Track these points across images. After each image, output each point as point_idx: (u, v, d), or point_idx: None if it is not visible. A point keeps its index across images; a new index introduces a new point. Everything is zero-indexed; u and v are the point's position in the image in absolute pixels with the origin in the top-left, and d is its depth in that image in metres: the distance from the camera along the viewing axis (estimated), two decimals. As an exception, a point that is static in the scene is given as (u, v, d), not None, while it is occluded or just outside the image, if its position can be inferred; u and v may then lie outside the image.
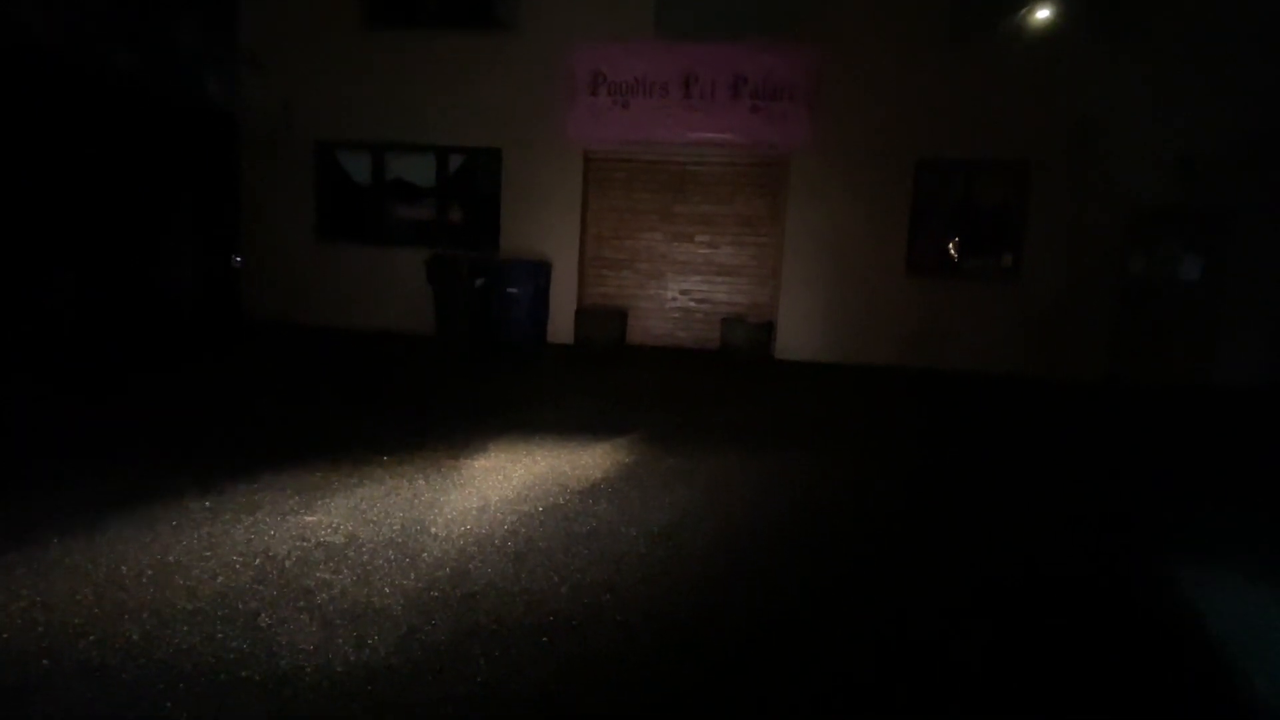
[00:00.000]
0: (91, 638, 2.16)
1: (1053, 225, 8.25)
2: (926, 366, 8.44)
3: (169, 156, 8.74)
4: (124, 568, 2.65)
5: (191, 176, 9.05)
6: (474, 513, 3.36)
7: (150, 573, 2.62)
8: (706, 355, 8.97)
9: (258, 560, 2.75)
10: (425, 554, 2.87)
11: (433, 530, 3.13)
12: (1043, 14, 8.04)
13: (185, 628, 2.25)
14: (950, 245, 8.65)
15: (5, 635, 2.15)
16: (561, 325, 9.18)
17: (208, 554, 2.80)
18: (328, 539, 2.99)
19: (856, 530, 3.45)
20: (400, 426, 4.84)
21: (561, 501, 3.54)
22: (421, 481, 3.79)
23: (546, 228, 9.22)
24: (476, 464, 4.13)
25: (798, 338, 8.83)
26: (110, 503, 3.23)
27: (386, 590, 2.55)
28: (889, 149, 8.46)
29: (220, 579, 2.59)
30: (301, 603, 2.44)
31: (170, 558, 2.75)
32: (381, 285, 9.44)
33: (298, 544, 2.92)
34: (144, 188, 8.41)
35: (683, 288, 9.38)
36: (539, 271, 8.92)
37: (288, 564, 2.74)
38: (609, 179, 9.26)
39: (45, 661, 2.04)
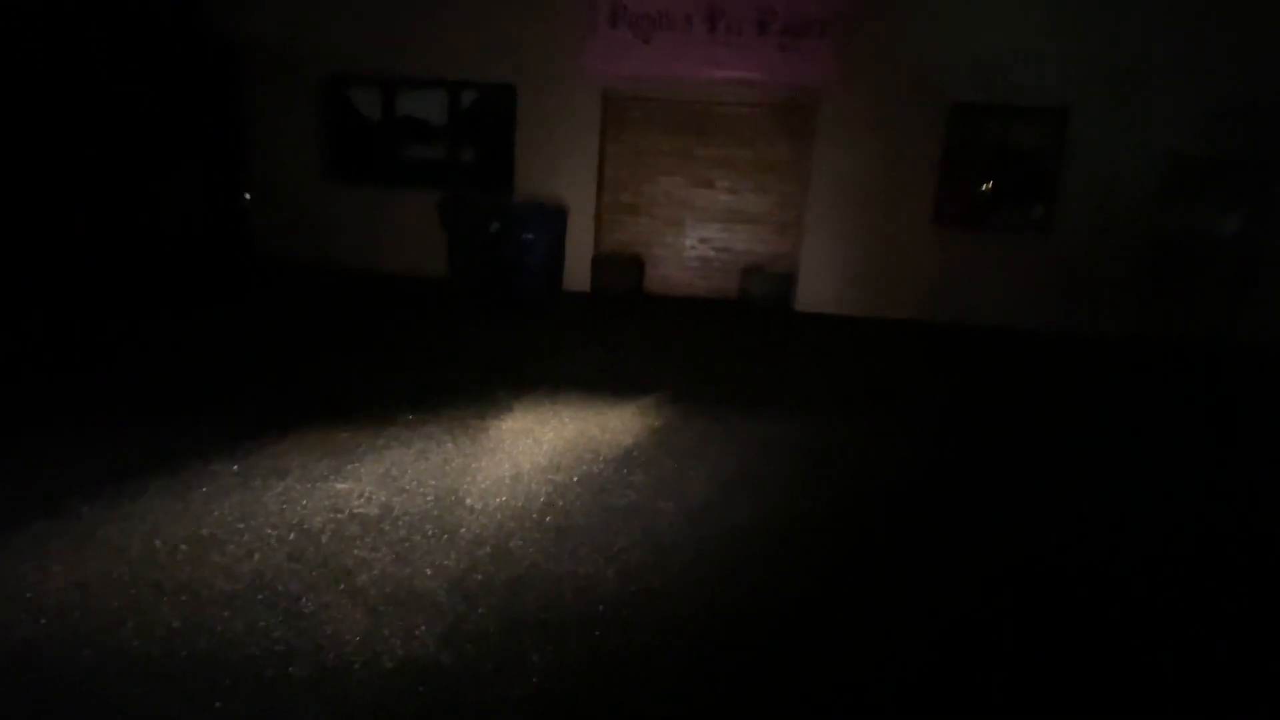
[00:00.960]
0: (131, 624, 2.10)
1: (1088, 175, 7.93)
2: (951, 320, 8.27)
3: (171, 87, 8.36)
4: (158, 541, 2.58)
5: (196, 109, 8.69)
6: (508, 482, 3.28)
7: (185, 548, 2.55)
8: (725, 305, 8.80)
9: (292, 535, 2.68)
10: (463, 529, 2.80)
11: (468, 501, 3.05)
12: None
13: (226, 613, 2.18)
14: (981, 194, 8.35)
15: (43, 620, 2.09)
16: (577, 272, 8.97)
17: (241, 526, 2.72)
18: (361, 510, 2.92)
19: (900, 505, 3.37)
20: (421, 380, 4.74)
21: (595, 470, 3.45)
22: (450, 444, 3.70)
23: (562, 169, 8.91)
24: (504, 425, 4.04)
25: (819, 289, 8.63)
26: (137, 466, 3.15)
27: (428, 572, 2.49)
28: (922, 92, 8.07)
29: (256, 556, 2.52)
30: (342, 585, 2.37)
31: (204, 530, 2.68)
32: (392, 227, 9.20)
33: (331, 516, 2.85)
34: (144, 120, 8.07)
35: (702, 235, 9.12)
36: (555, 216, 8.65)
37: (324, 539, 2.67)
38: (627, 118, 8.90)
39: (87, 651, 1.98)
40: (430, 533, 2.76)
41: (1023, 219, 8.24)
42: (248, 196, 9.51)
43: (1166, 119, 7.65)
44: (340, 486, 3.14)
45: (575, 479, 3.34)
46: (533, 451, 3.67)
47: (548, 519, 2.92)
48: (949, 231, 8.30)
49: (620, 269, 8.99)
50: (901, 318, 8.39)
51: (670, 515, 3.04)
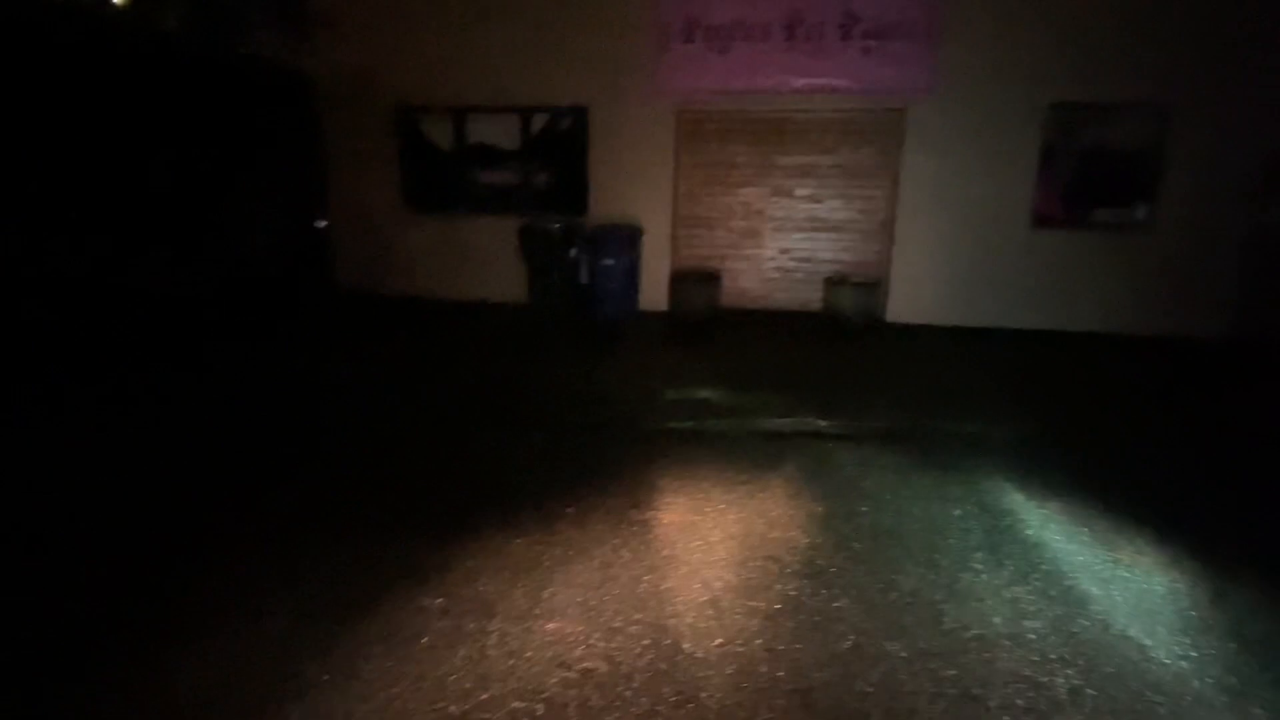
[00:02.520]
0: None
1: (1190, 173, 7.60)
2: (1053, 328, 8.05)
3: (247, 121, 8.26)
4: (407, 727, 2.57)
5: (273, 143, 8.61)
6: (710, 613, 3.21)
7: (438, 736, 2.53)
8: (809, 318, 8.65)
9: (540, 709, 2.66)
10: (704, 693, 2.76)
11: (685, 647, 3.00)
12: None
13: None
14: (1080, 195, 8.03)
15: None
16: (654, 291, 8.86)
17: (485, 697, 2.70)
18: (588, 664, 2.87)
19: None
20: (551, 449, 4.70)
21: (792, 592, 3.37)
22: (625, 552, 3.64)
23: (636, 188, 8.74)
24: (662, 518, 3.97)
25: (911, 299, 8.43)
26: (335, 604, 3.13)
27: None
28: (1016, 91, 7.74)
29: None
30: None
31: (451, 708, 2.66)
32: (469, 254, 9.14)
33: (563, 675, 2.81)
34: (221, 155, 8.00)
35: (782, 246, 8.94)
36: (631, 238, 8.52)
37: (571, 715, 2.64)
38: (703, 132, 8.66)
39: None
40: (673, 699, 2.72)
41: (1124, 220, 7.93)
42: (324, 224, 9.47)
43: (1269, 117, 7.26)
44: (550, 627, 3.09)
45: (778, 608, 3.26)
46: (712, 562, 3.59)
47: (780, 674, 2.85)
48: (1048, 234, 8.02)
49: (698, 285, 8.84)
50: (999, 326, 8.18)
51: (913, 672, 2.84)
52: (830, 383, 6.32)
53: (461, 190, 9.06)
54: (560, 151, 8.85)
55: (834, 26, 7.95)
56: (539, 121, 8.79)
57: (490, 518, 3.88)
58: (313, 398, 5.84)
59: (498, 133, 8.85)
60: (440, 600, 3.22)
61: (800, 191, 8.68)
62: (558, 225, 8.51)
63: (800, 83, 8.13)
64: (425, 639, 3.00)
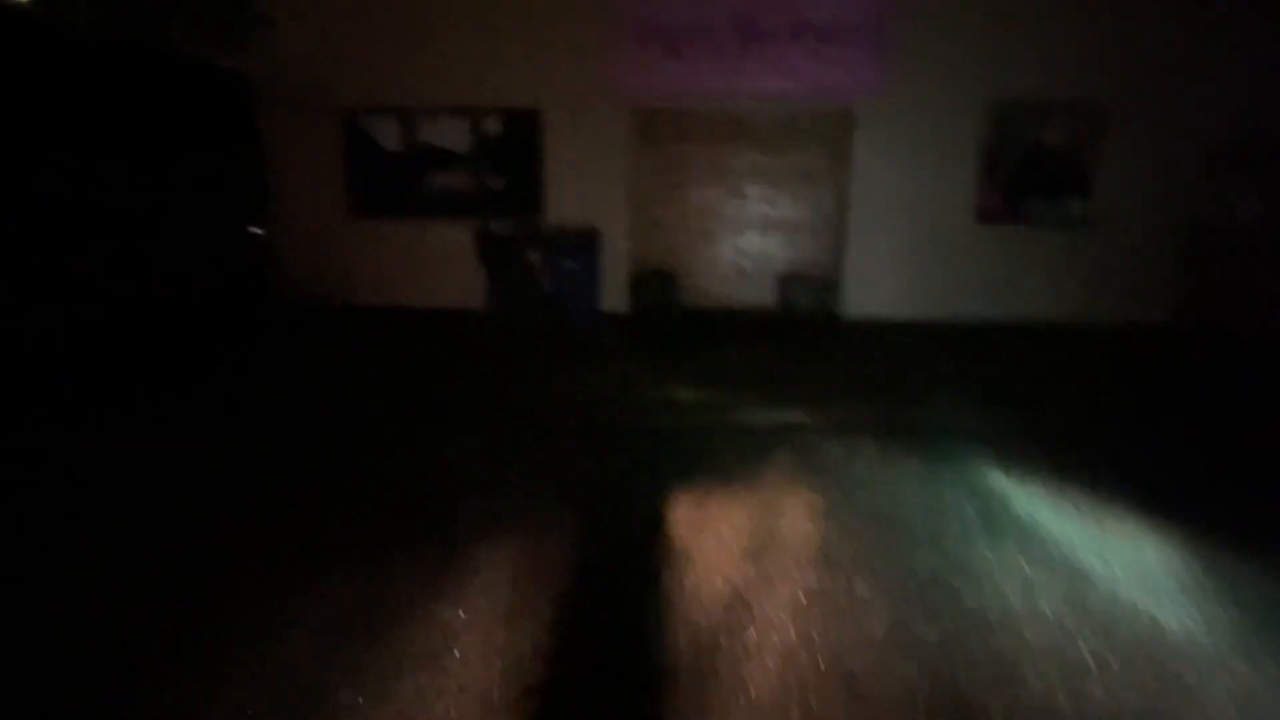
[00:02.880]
0: None
1: (1125, 167, 8.08)
2: (1002, 319, 8.41)
3: (176, 124, 7.77)
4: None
5: (205, 148, 8.13)
6: (746, 618, 3.21)
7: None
8: (767, 315, 8.79)
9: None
10: (750, 689, 2.74)
11: (721, 640, 2.99)
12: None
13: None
14: (1021, 190, 8.43)
15: None
16: (614, 292, 8.83)
17: (525, 712, 2.61)
18: (625, 668, 2.83)
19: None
20: (543, 449, 4.62)
21: (813, 584, 3.39)
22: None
23: (593, 190, 8.69)
24: (671, 517, 3.96)
25: (865, 294, 8.66)
26: (349, 619, 2.98)
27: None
28: (959, 91, 8.07)
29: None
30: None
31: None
32: (422, 260, 8.89)
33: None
34: (147, 160, 7.50)
35: (738, 245, 9.05)
36: (590, 240, 8.48)
37: None
38: (657, 134, 8.69)
39: None
40: (721, 693, 2.69)
41: (1063, 213, 8.37)
42: (259, 230, 9.01)
43: (1201, 112, 7.80)
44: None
45: (805, 601, 3.28)
46: (733, 559, 3.60)
47: (820, 663, 2.88)
48: (991, 229, 8.39)
49: (658, 286, 8.87)
50: (950, 318, 8.48)
51: (940, 645, 2.95)
52: (798, 378, 6.42)
53: (413, 194, 8.80)
54: (514, 153, 8.71)
55: (784, 30, 8.11)
56: (492, 123, 8.62)
57: (498, 523, 3.76)
58: (249, 416, 5.54)
59: (450, 135, 8.64)
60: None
61: (754, 191, 8.81)
62: (515, 228, 8.37)
63: (751, 84, 8.25)
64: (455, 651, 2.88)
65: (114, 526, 3.79)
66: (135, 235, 7.18)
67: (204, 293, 8.08)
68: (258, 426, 5.24)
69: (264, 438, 5.02)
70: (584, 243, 8.38)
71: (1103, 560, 3.52)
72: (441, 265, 8.77)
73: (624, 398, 5.81)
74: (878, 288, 8.61)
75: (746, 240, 9.00)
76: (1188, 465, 4.65)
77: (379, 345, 7.44)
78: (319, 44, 8.29)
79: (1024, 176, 8.33)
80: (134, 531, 3.74)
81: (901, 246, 8.49)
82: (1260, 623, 3.06)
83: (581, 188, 8.67)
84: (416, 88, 8.40)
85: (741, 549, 3.64)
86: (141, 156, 7.22)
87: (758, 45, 8.15)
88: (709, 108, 8.43)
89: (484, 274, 8.55)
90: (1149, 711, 2.56)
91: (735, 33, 8.14)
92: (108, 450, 4.74)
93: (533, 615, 3.08)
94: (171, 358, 6.84)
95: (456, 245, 8.66)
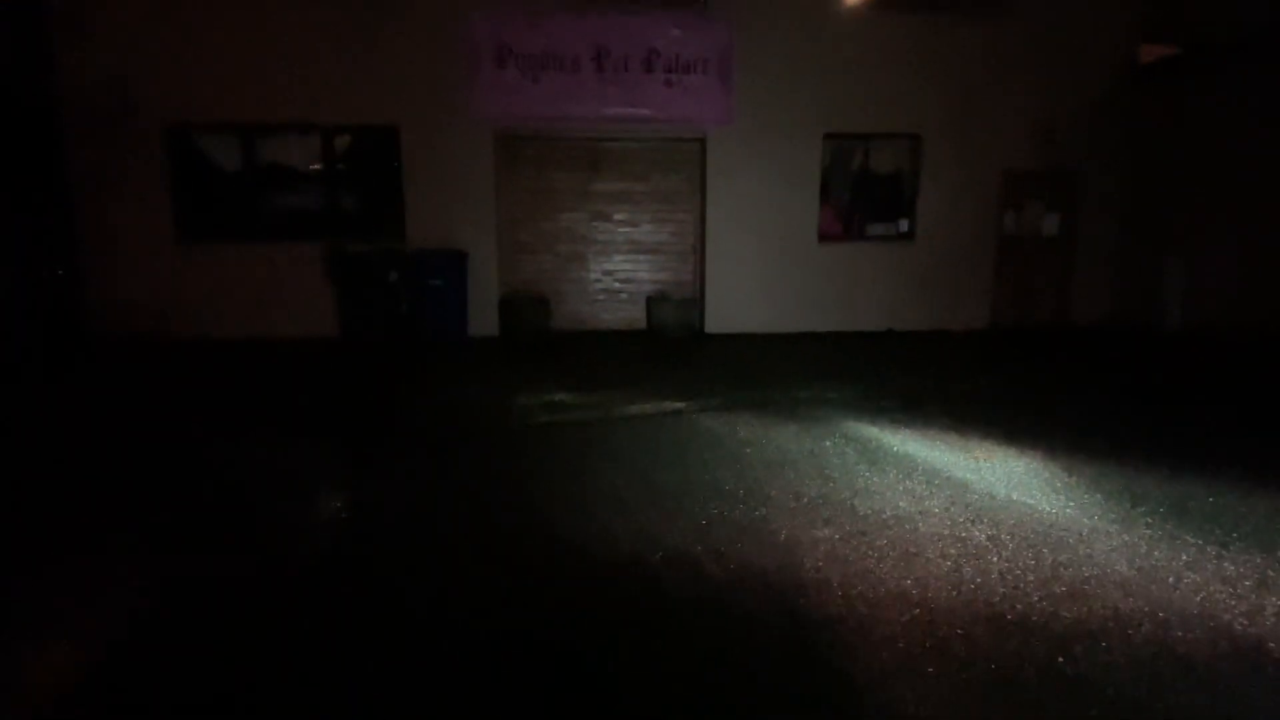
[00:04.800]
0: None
1: (941, 191, 9.05)
2: (845, 329, 8.97)
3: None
4: None
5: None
6: (649, 533, 3.04)
7: None
8: (636, 335, 8.85)
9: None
10: (662, 592, 2.56)
11: (623, 562, 2.79)
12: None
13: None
14: (854, 213, 9.19)
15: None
16: (483, 317, 8.56)
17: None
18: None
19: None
20: (437, 452, 4.28)
21: (714, 510, 3.30)
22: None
23: (458, 212, 8.49)
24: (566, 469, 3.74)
25: (727, 311, 8.97)
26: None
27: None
28: (800, 123, 8.75)
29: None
30: None
31: None
32: (264, 287, 8.17)
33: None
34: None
35: (605, 268, 9.13)
36: (456, 261, 8.23)
37: None
38: (521, 158, 8.71)
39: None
40: (643, 605, 2.50)
41: (890, 233, 9.18)
42: (60, 270, 7.94)
43: (1001, 142, 8.96)
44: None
45: (704, 523, 3.17)
46: (638, 499, 3.45)
47: (731, 568, 2.75)
48: (830, 248, 9.03)
49: (528, 309, 8.71)
50: (803, 330, 8.93)
51: (843, 541, 2.96)
52: (669, 379, 6.38)
53: (252, 217, 8.17)
54: (371, 173, 8.39)
55: (638, 61, 8.50)
56: (344, 142, 8.28)
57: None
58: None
59: (297, 152, 8.18)
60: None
61: (618, 216, 9.00)
62: (372, 249, 7.98)
63: (610, 112, 8.53)
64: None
65: None
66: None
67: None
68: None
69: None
70: (448, 263, 8.12)
71: (977, 474, 3.73)
72: (288, 290, 8.13)
73: (505, 403, 5.50)
74: (737, 305, 8.96)
75: (614, 263, 9.11)
76: (1017, 415, 5.04)
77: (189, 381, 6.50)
78: (139, 52, 7.60)
79: (856, 200, 9.10)
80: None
81: (754, 266, 8.93)
82: (1128, 502, 3.33)
83: (447, 210, 8.45)
84: (258, 101, 7.92)
85: (649, 495, 3.51)
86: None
87: (614, 74, 8.48)
88: (571, 133, 8.59)
89: (336, 297, 8.03)
90: (1050, 575, 2.66)
91: (592, 62, 8.43)
92: None
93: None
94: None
95: (304, 269, 8.10)
